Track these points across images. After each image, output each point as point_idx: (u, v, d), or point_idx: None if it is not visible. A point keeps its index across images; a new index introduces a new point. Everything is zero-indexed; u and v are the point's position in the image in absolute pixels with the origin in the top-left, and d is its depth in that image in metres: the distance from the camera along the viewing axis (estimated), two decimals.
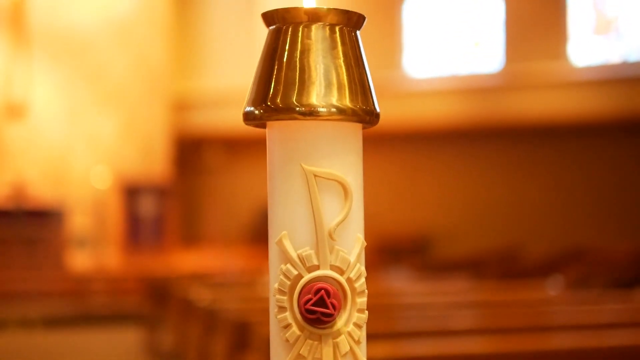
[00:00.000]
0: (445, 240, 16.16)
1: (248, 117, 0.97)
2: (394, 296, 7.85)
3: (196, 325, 7.79)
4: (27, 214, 13.53)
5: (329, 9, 0.96)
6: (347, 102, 0.93)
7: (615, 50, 15.24)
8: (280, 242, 0.94)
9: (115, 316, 11.51)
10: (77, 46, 16.40)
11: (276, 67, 0.94)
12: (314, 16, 0.95)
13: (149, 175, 16.39)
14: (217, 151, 17.66)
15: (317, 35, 0.95)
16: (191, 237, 17.30)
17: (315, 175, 0.93)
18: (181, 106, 17.31)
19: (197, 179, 17.98)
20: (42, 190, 15.24)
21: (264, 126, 0.97)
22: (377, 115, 0.98)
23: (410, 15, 16.87)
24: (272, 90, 0.94)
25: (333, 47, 0.95)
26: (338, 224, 0.94)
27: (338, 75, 0.94)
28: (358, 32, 1.00)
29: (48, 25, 16.15)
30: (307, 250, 0.93)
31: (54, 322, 11.20)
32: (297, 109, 0.92)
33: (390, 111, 15.74)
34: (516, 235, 15.42)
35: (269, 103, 0.93)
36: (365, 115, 0.95)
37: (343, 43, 0.96)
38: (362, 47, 1.00)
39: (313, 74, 0.93)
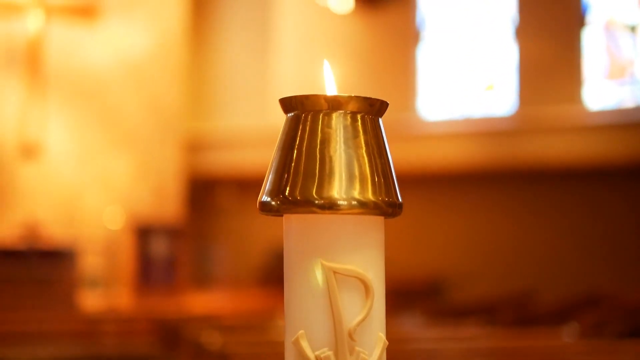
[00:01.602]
0: (458, 284, 16.04)
1: (264, 208, 0.93)
2: (406, 342, 7.77)
3: None
4: (39, 254, 13.51)
5: (350, 97, 0.92)
6: (369, 195, 0.89)
7: (629, 94, 15.21)
8: (297, 342, 0.89)
9: (126, 357, 11.43)
10: (91, 87, 16.49)
11: (295, 156, 0.91)
12: (334, 103, 0.92)
13: (161, 216, 16.38)
14: (229, 192, 17.66)
15: (338, 123, 0.91)
16: (203, 278, 17.24)
17: (334, 272, 0.89)
18: (194, 147, 17.35)
19: (209, 219, 17.96)
20: (54, 230, 15.23)
21: (280, 215, 0.94)
22: (400, 206, 0.94)
23: (424, 57, 16.91)
24: (290, 182, 0.90)
25: (355, 136, 0.91)
26: (358, 324, 0.89)
27: (360, 167, 0.90)
28: (380, 119, 0.96)
29: (63, 66, 16.25)
30: (326, 352, 0.88)
31: None
32: (317, 202, 0.88)
33: (403, 154, 15.72)
34: (530, 280, 15.29)
35: (287, 195, 0.90)
36: (388, 207, 0.91)
37: (365, 132, 0.92)
38: (385, 134, 0.96)
39: (334, 165, 0.89)
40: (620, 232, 15.30)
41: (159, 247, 16.06)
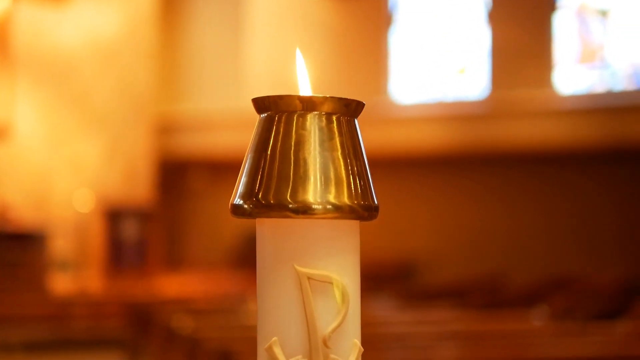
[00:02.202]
0: (429, 267, 16.11)
1: (237, 212, 0.91)
2: (378, 326, 7.80)
3: (178, 353, 7.72)
4: (8, 237, 13.41)
5: (324, 97, 0.90)
6: (344, 199, 0.87)
7: (600, 79, 15.29)
8: (270, 349, 0.87)
9: (97, 341, 11.39)
10: (61, 69, 16.32)
11: (268, 159, 0.89)
12: (309, 104, 0.90)
13: (132, 199, 16.29)
14: (201, 174, 17.59)
15: (313, 125, 0.89)
16: (174, 261, 17.18)
17: (309, 278, 0.87)
18: (165, 129, 17.24)
19: (181, 202, 17.89)
20: (23, 213, 15.10)
21: (253, 219, 0.92)
22: (376, 209, 0.92)
23: (397, 41, 16.89)
24: (263, 185, 0.88)
25: (330, 138, 0.89)
26: (333, 330, 0.88)
27: (335, 170, 0.88)
28: (356, 120, 0.94)
29: (32, 48, 16.07)
30: (300, 359, 0.87)
31: (34, 347, 11.08)
32: (290, 206, 0.86)
33: (374, 137, 15.71)
34: (501, 263, 15.39)
35: (260, 198, 0.88)
36: (364, 211, 0.89)
37: (340, 133, 0.90)
38: (360, 134, 0.94)
39: (309, 168, 0.87)
40: (589, 216, 15.41)
41: (130, 230, 15.98)
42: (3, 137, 15.59)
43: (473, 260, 15.69)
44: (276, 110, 0.90)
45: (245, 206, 0.89)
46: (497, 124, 15.23)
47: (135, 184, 16.55)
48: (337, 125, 0.90)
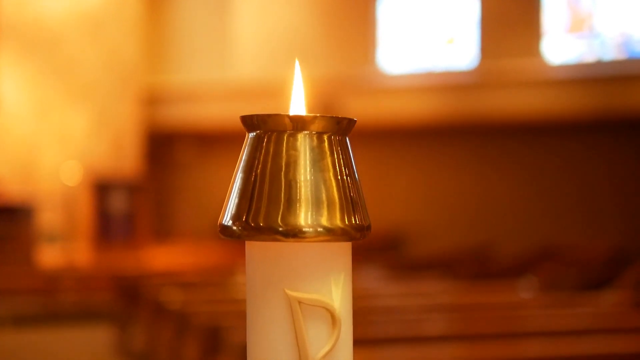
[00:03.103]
0: (418, 238, 16.14)
1: (225, 233, 0.88)
2: (367, 298, 7.81)
3: (167, 327, 7.72)
4: None
5: (315, 116, 0.87)
6: (337, 222, 0.84)
7: (589, 48, 15.25)
8: None
9: (86, 314, 11.40)
10: (47, 40, 16.16)
11: (258, 180, 0.85)
12: (299, 123, 0.86)
13: (119, 171, 16.22)
14: (188, 146, 17.52)
15: (304, 145, 0.85)
16: (163, 233, 17.16)
17: (299, 302, 0.84)
18: (152, 101, 17.13)
19: (168, 174, 17.83)
20: (10, 186, 15.03)
21: (242, 241, 0.89)
22: (369, 228, 0.89)
23: (385, 11, 16.78)
24: (253, 207, 0.85)
25: (321, 158, 0.86)
26: (325, 355, 0.85)
27: (327, 191, 0.85)
28: (347, 138, 0.90)
29: (16, 18, 15.91)
30: None
31: (23, 320, 11.07)
32: (280, 229, 0.83)
33: (363, 107, 15.66)
34: (490, 233, 15.43)
35: (249, 221, 0.84)
36: (356, 232, 0.86)
37: (332, 153, 0.87)
38: (352, 152, 0.91)
39: (300, 190, 0.84)
40: (578, 186, 15.44)
41: (118, 202, 15.94)
42: None
43: (462, 231, 15.72)
44: (265, 129, 0.87)
45: (234, 228, 0.86)
46: (486, 94, 15.20)
47: (123, 155, 16.48)
48: (328, 144, 0.87)
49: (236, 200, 0.87)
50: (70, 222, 15.71)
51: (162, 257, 13.89)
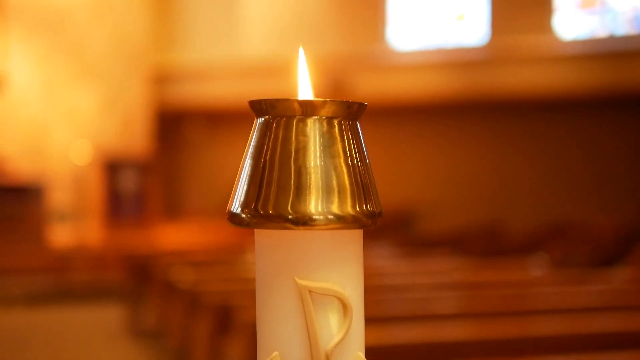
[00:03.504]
0: (428, 216, 16.12)
1: (234, 220, 0.86)
2: (377, 276, 7.80)
3: (178, 307, 7.73)
4: (6, 190, 13.37)
5: (325, 101, 0.84)
6: (348, 209, 0.82)
7: (601, 23, 15.13)
8: None
9: (97, 293, 11.44)
10: (55, 19, 16.13)
11: (267, 166, 0.83)
12: (308, 108, 0.84)
13: (129, 150, 16.22)
14: (198, 125, 17.49)
15: (313, 130, 0.83)
16: (173, 211, 17.17)
17: (310, 291, 0.82)
18: (161, 79, 17.09)
19: (178, 153, 17.82)
20: (21, 165, 15.06)
21: (251, 229, 0.86)
22: (380, 214, 0.87)
23: None
24: (262, 195, 0.82)
25: (332, 143, 0.83)
26: (336, 344, 0.83)
27: (338, 177, 0.82)
28: (358, 123, 0.88)
29: None
30: None
31: (34, 299, 11.12)
32: (290, 217, 0.81)
33: (373, 85, 15.61)
34: (500, 210, 15.40)
35: (258, 209, 0.82)
36: (368, 219, 0.84)
37: (342, 138, 0.84)
38: (362, 137, 0.88)
39: (310, 177, 0.82)
40: (589, 162, 15.38)
41: (127, 181, 15.95)
42: None
43: (473, 208, 15.69)
44: (274, 115, 0.85)
45: (243, 216, 0.84)
46: (497, 71, 15.11)
47: (133, 134, 16.47)
48: (338, 129, 0.84)
49: (245, 187, 0.85)
50: (80, 202, 15.73)
51: (173, 236, 13.91)
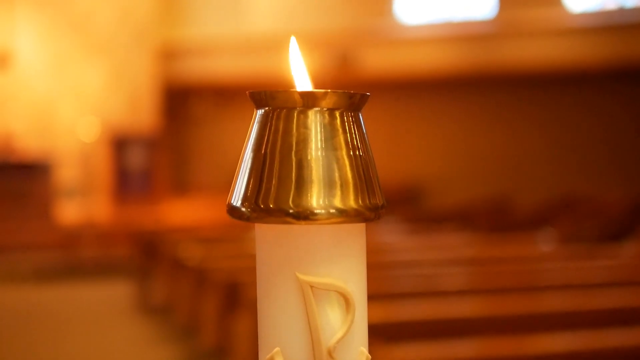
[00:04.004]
0: (435, 190, 16.10)
1: (234, 214, 0.84)
2: (385, 253, 7.80)
3: (186, 283, 7.75)
4: (14, 167, 13.40)
5: (326, 92, 0.82)
6: (350, 202, 0.80)
7: None
8: None
9: (105, 269, 11.48)
10: None
11: (268, 159, 0.81)
12: (309, 100, 0.81)
13: (136, 126, 16.21)
14: (205, 100, 17.46)
15: (315, 122, 0.81)
16: (181, 187, 17.19)
17: (311, 286, 0.81)
18: (168, 55, 17.04)
19: (185, 128, 17.80)
20: (28, 142, 15.07)
21: (252, 223, 0.84)
22: (383, 206, 0.85)
23: None
24: (263, 188, 0.80)
25: (333, 135, 0.81)
26: (339, 340, 0.81)
27: (340, 170, 0.80)
28: (360, 114, 0.85)
29: None
30: None
31: (43, 275, 11.17)
32: (291, 211, 0.79)
33: (380, 59, 15.55)
34: (508, 184, 15.37)
35: (259, 203, 0.80)
36: (371, 213, 0.82)
37: (344, 130, 0.82)
38: (365, 129, 0.86)
39: (311, 170, 0.79)
40: (597, 136, 15.32)
41: (135, 157, 15.95)
42: (4, 66, 15.45)
43: (480, 183, 15.66)
44: (274, 106, 0.82)
45: (243, 209, 0.82)
46: (505, 44, 15.02)
47: (140, 110, 16.45)
48: (340, 121, 0.82)
49: (245, 181, 0.83)
50: (88, 178, 15.75)
51: (180, 212, 13.93)
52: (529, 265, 7.12)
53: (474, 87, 15.85)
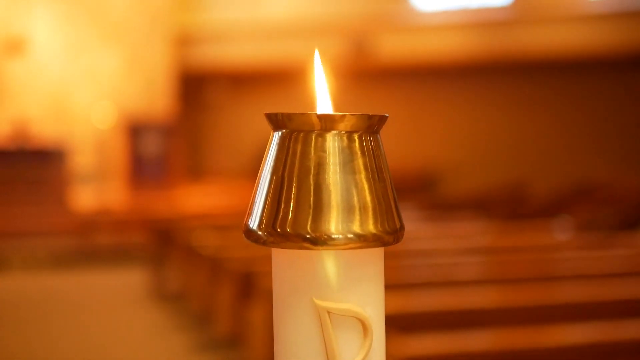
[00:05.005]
0: (452, 177, 16.06)
1: (250, 237, 0.82)
2: (401, 241, 7.77)
3: (201, 272, 7.76)
4: (30, 154, 13.44)
5: (343, 115, 0.79)
6: (369, 227, 0.77)
7: None
8: None
9: (120, 256, 11.50)
10: None
11: (286, 183, 0.79)
12: (327, 122, 0.79)
13: (152, 112, 16.22)
14: (221, 86, 17.45)
15: (333, 146, 0.78)
16: (196, 174, 17.21)
17: (329, 312, 0.79)
18: (184, 41, 17.02)
19: (201, 115, 17.80)
20: (43, 128, 15.10)
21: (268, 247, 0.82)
22: (402, 228, 0.82)
23: None
24: (280, 212, 0.78)
25: (352, 159, 0.79)
26: None
27: (358, 195, 0.78)
28: (378, 136, 0.83)
29: None
30: None
31: (58, 261, 11.20)
32: (308, 236, 0.77)
33: (396, 46, 15.49)
34: (524, 171, 15.32)
35: (277, 228, 0.78)
36: (389, 236, 0.80)
37: (363, 154, 0.79)
38: (383, 151, 0.83)
39: (330, 194, 0.77)
40: (612, 122, 15.24)
41: (150, 143, 15.96)
42: (20, 51, 15.47)
43: (496, 169, 15.61)
44: (292, 129, 0.80)
45: (260, 233, 0.80)
46: (521, 31, 14.93)
47: (155, 96, 16.46)
48: (359, 144, 0.80)
49: (262, 204, 0.80)
50: (103, 164, 15.79)
51: (196, 199, 13.93)
52: (545, 255, 7.09)
53: (490, 73, 15.77)
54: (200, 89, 17.60)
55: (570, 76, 15.35)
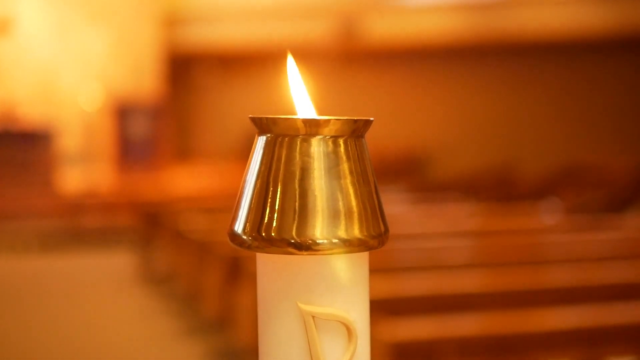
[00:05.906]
0: (440, 159, 16.07)
1: (235, 241, 0.81)
2: (389, 224, 7.77)
3: (189, 255, 7.76)
4: (17, 136, 13.39)
5: (328, 119, 0.79)
6: (354, 232, 0.77)
7: None
8: None
9: (108, 238, 11.49)
10: None
11: (271, 188, 0.78)
12: (312, 127, 0.78)
13: (140, 93, 16.16)
14: (209, 68, 17.38)
15: (318, 151, 0.78)
16: (184, 156, 17.17)
17: (313, 316, 0.78)
18: (172, 21, 16.93)
19: (189, 96, 17.74)
20: (30, 109, 15.03)
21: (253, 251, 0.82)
22: (387, 232, 0.81)
23: None
24: (265, 217, 0.77)
25: (337, 164, 0.78)
26: None
27: (344, 199, 0.77)
28: (364, 139, 0.82)
29: None
30: None
31: (45, 244, 11.19)
32: (293, 241, 0.76)
33: (385, 27, 15.45)
34: (513, 153, 15.34)
35: (262, 233, 0.77)
36: (374, 240, 0.79)
37: (348, 158, 0.79)
38: (369, 154, 0.82)
39: (314, 199, 0.76)
40: (601, 103, 15.28)
41: (138, 125, 15.91)
42: (6, 32, 15.36)
43: (484, 151, 15.63)
44: (277, 133, 0.79)
45: (245, 237, 0.79)
46: (511, 12, 14.92)
47: (143, 77, 16.39)
48: (344, 149, 0.79)
49: (247, 208, 0.79)
50: (91, 146, 15.74)
51: (184, 181, 13.91)
52: (533, 238, 7.10)
53: (478, 55, 15.77)
54: (189, 71, 17.53)
55: (559, 58, 15.37)
